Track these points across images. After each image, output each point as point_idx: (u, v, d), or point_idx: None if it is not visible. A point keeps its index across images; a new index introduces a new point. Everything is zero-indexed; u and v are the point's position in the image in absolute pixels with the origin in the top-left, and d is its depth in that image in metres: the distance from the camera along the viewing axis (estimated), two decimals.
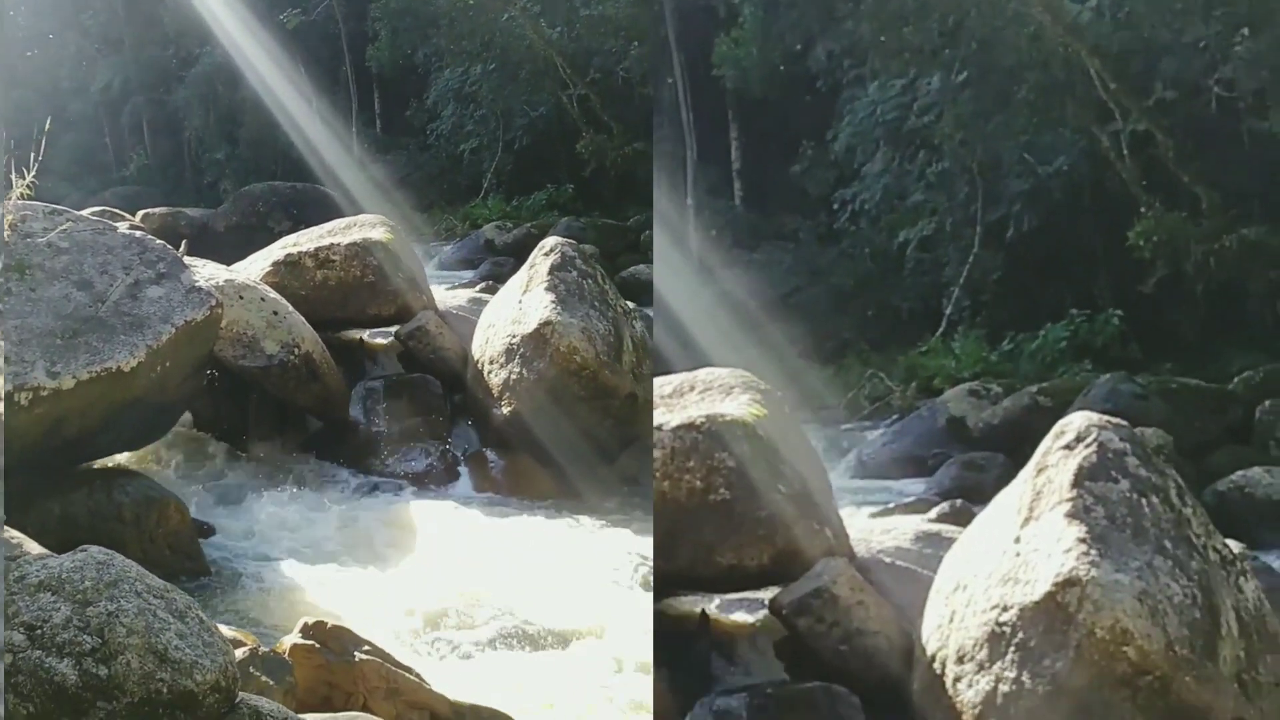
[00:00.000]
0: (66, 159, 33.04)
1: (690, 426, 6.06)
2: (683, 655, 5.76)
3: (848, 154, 18.15)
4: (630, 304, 10.49)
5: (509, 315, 9.65)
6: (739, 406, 6.31)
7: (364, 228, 11.21)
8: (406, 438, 9.61)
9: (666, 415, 6.26)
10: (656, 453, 6.04)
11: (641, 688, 5.77)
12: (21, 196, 7.67)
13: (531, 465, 9.23)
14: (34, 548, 5.65)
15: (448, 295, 12.37)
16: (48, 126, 8.58)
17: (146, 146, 33.51)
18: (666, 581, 6.05)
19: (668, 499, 5.96)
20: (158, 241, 8.02)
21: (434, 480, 9.22)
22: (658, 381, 6.83)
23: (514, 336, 9.44)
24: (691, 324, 15.28)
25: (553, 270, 9.62)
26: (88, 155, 34.85)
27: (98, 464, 7.76)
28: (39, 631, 3.75)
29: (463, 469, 9.42)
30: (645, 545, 7.73)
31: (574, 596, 6.77)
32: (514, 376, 9.34)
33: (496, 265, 18.49)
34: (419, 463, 9.36)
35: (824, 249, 19.14)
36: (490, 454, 9.53)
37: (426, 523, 8.22)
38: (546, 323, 9.22)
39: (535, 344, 9.25)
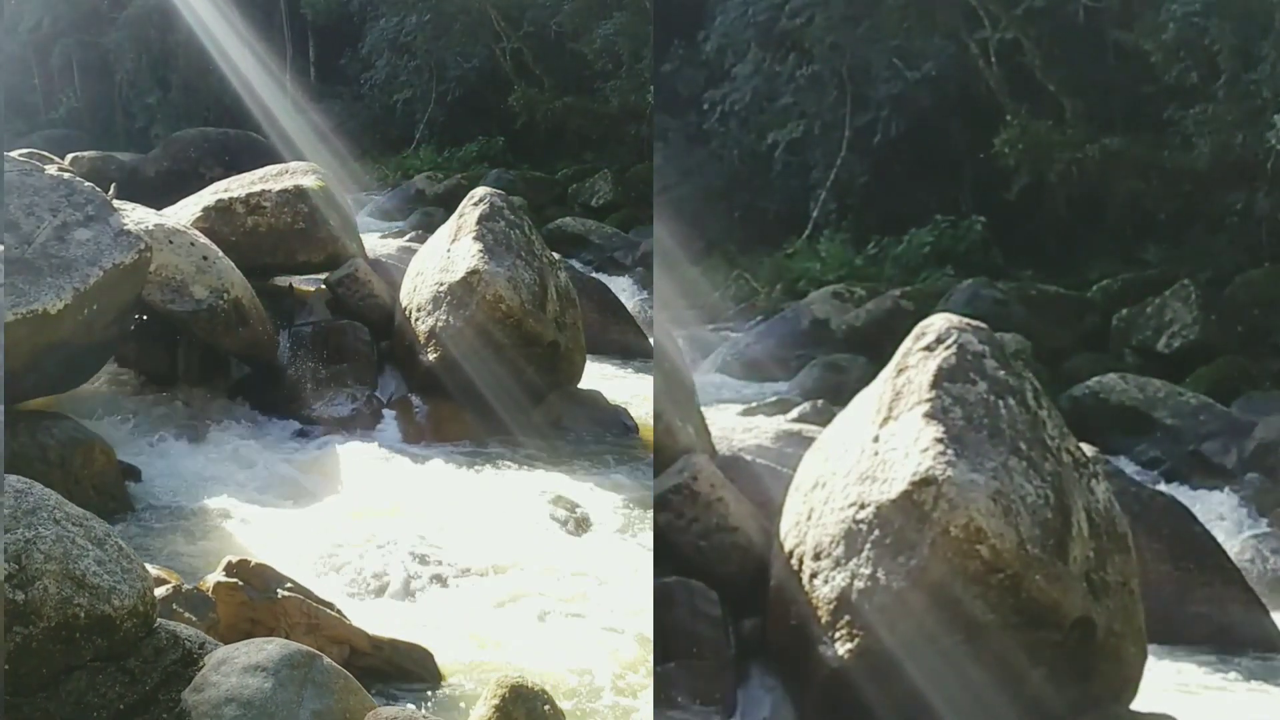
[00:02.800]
0: None
1: None
2: None
3: (718, 54, 18.02)
4: (556, 255, 10.55)
5: (437, 264, 9.67)
6: None
7: (296, 175, 11.12)
8: (333, 383, 9.61)
9: None
10: None
11: (559, 622, 5.90)
12: None
13: (455, 410, 9.29)
14: None
15: (379, 243, 12.35)
16: None
17: (76, 89, 32.74)
18: None
19: None
20: (86, 184, 7.92)
21: (360, 424, 9.23)
22: None
23: (441, 285, 9.48)
24: None
25: (481, 220, 9.65)
26: (15, 96, 33.94)
27: (24, 406, 7.69)
28: None
29: (388, 413, 9.44)
30: (563, 485, 7.87)
31: (493, 535, 6.88)
32: (440, 324, 9.38)
33: (427, 215, 18.47)
34: (345, 408, 9.36)
35: (693, 149, 19.03)
36: (415, 399, 9.56)
37: (350, 466, 8.26)
38: (474, 271, 9.26)
39: (462, 292, 9.29)
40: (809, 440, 5.74)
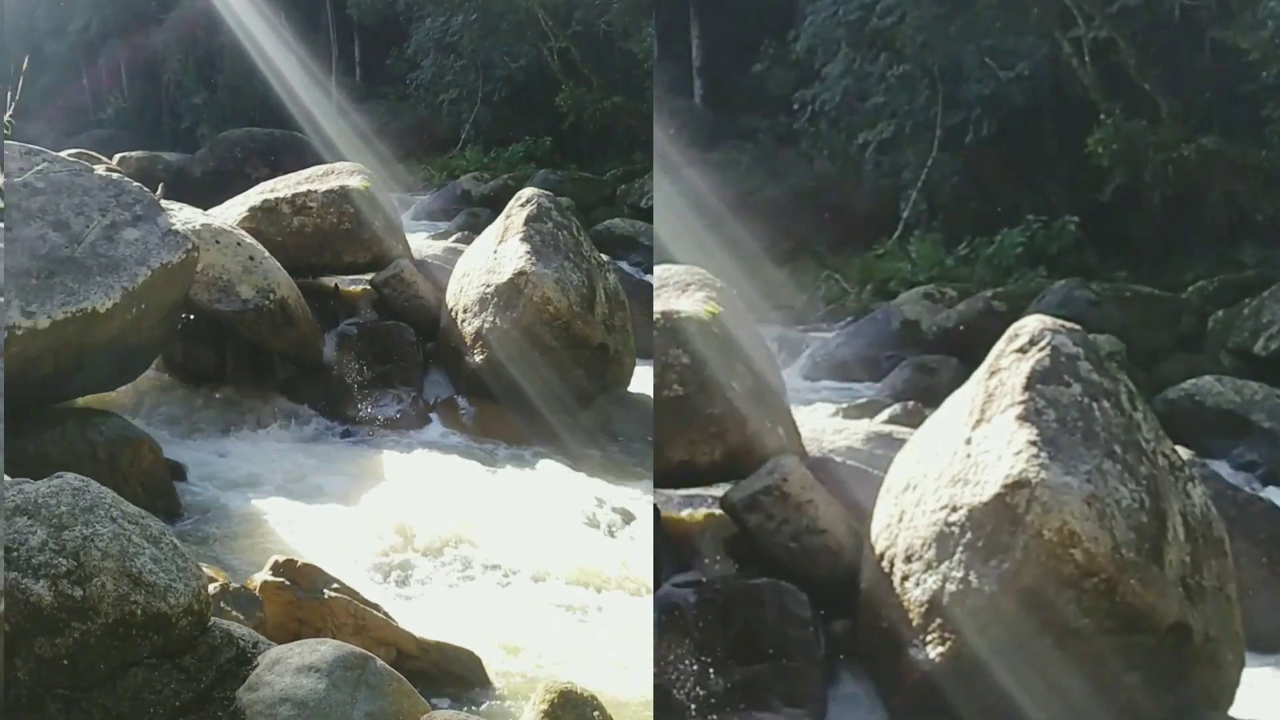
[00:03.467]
0: (43, 101, 32.69)
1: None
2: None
3: (809, 54, 17.97)
4: (604, 256, 10.54)
5: (484, 265, 9.69)
6: (694, 303, 6.28)
7: (341, 175, 11.20)
8: (379, 384, 9.66)
9: None
10: None
11: (601, 623, 5.88)
12: None
13: (501, 412, 9.30)
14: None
15: (424, 244, 12.40)
16: (24, 66, 8.54)
17: (124, 90, 33.16)
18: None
19: None
20: (134, 184, 8.00)
21: (406, 425, 9.27)
22: None
23: (488, 286, 9.49)
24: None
25: (528, 221, 9.65)
26: (64, 97, 34.44)
27: (72, 404, 7.77)
28: (15, 554, 3.82)
29: (434, 415, 9.48)
30: (610, 490, 7.85)
31: (539, 539, 6.87)
32: (487, 325, 9.39)
33: (473, 215, 18.50)
34: (391, 408, 9.40)
35: (783, 149, 19.02)
36: (461, 401, 9.59)
37: (396, 466, 8.30)
38: (521, 272, 9.27)
39: (509, 293, 9.30)
40: (899, 442, 5.76)
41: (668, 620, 5.23)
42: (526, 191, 10.12)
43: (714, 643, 5.16)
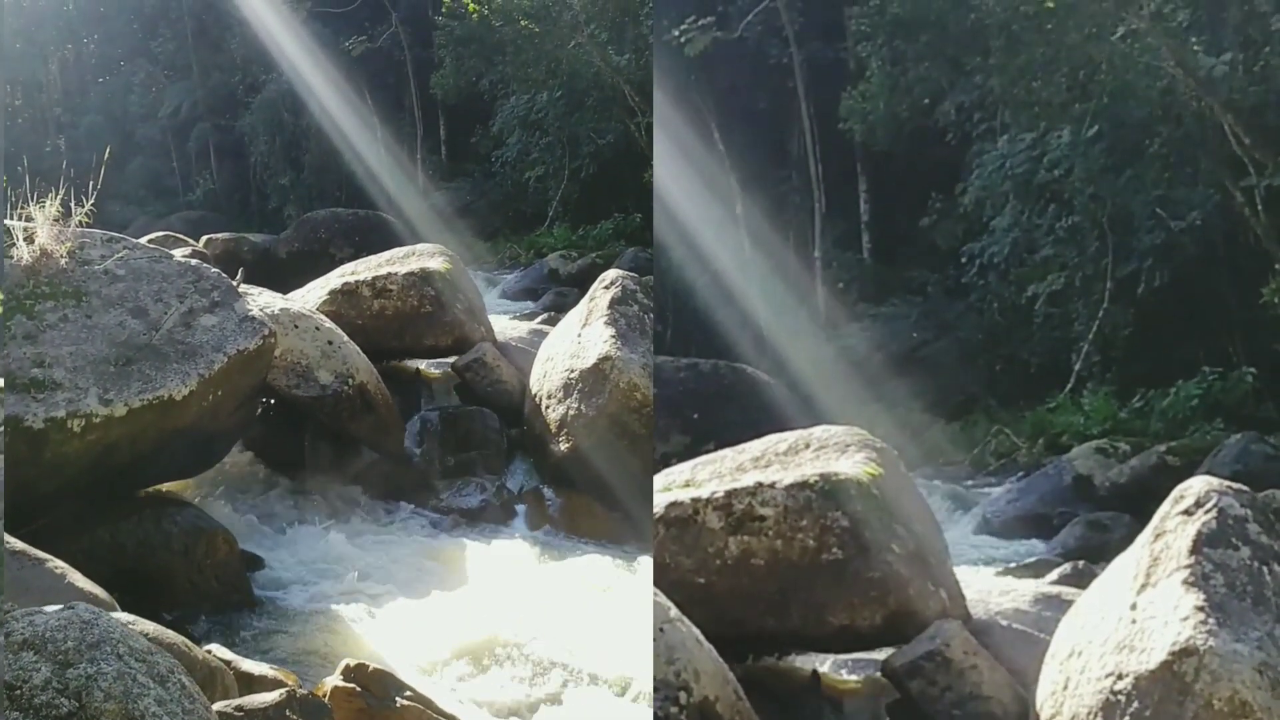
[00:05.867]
0: (135, 183, 33.83)
1: (804, 485, 6.03)
2: (794, 714, 5.78)
3: (976, 207, 18.21)
4: None
5: (568, 349, 9.63)
6: (854, 465, 6.29)
7: (422, 257, 11.28)
8: (462, 472, 9.62)
9: (781, 473, 6.23)
10: (768, 510, 5.96)
11: None
12: (80, 224, 7.79)
13: (590, 504, 9.17)
14: (78, 579, 5.71)
15: (508, 326, 12.41)
16: (107, 156, 8.75)
17: (212, 171, 34.15)
18: (779, 640, 6.01)
19: (780, 557, 5.92)
20: (212, 270, 8.12)
21: (489, 517, 9.19)
22: (773, 438, 6.78)
23: (572, 371, 9.42)
24: (814, 377, 15.47)
25: (613, 304, 9.60)
26: (155, 179, 35.61)
27: (148, 492, 7.82)
28: (18, 692, 3.77)
29: (519, 506, 9.38)
30: None
31: (632, 642, 6.67)
32: (572, 412, 9.30)
33: (560, 295, 18.53)
34: (474, 498, 9.33)
35: (952, 302, 19.20)
36: (547, 491, 9.49)
37: (480, 561, 8.18)
38: (606, 358, 9.19)
39: (594, 379, 9.22)
40: (1068, 604, 5.70)
41: None
42: (611, 273, 10.08)
43: None
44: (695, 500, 6.06)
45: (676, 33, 18.83)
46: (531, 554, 8.42)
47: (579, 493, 9.22)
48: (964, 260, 18.58)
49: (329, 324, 9.67)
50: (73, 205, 7.74)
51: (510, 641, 6.53)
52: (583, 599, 7.52)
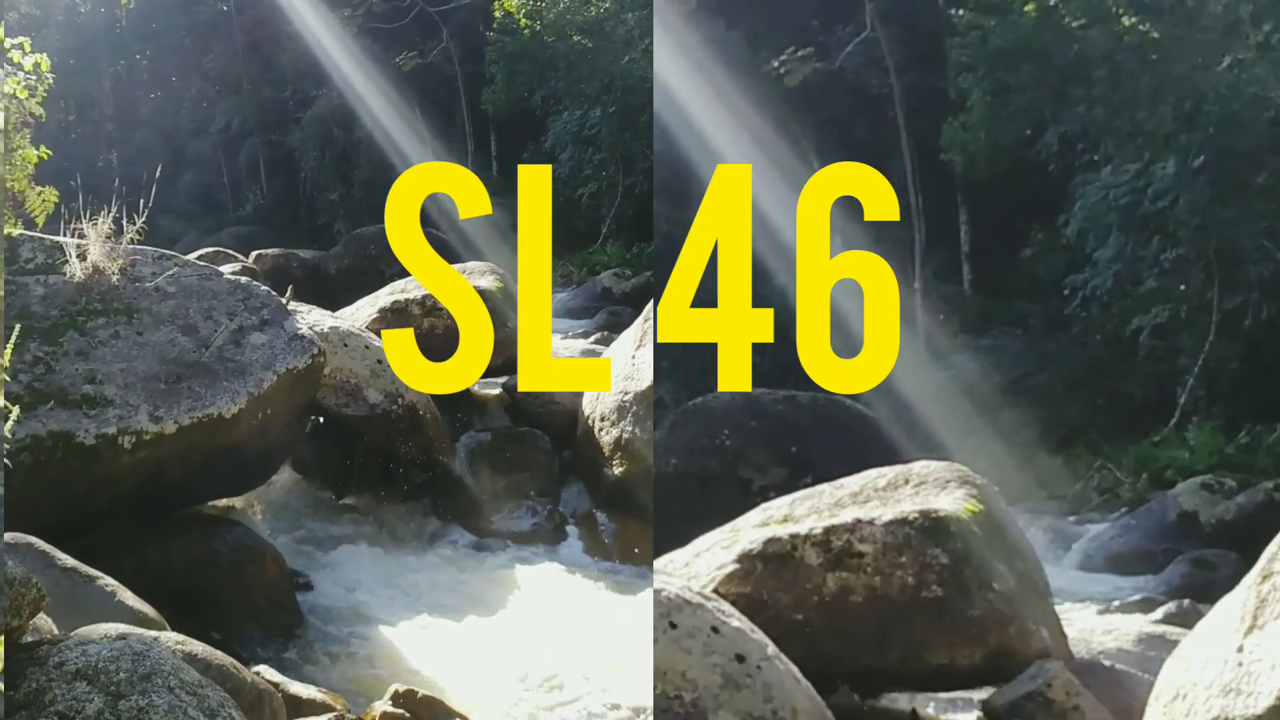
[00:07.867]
0: (185, 198, 34.35)
1: (903, 521, 6.04)
2: None
3: (1079, 239, 18.18)
4: None
5: (621, 371, 9.64)
6: (954, 502, 6.29)
7: (474, 275, 11.34)
8: (513, 494, 9.62)
9: (880, 509, 6.26)
10: (867, 547, 5.98)
11: None
12: (132, 240, 7.91)
13: (645, 530, 9.12)
14: (128, 597, 5.77)
15: (561, 345, 12.44)
16: (158, 172, 8.87)
17: (263, 186, 34.60)
18: (877, 678, 6.02)
19: (879, 594, 5.93)
20: (262, 288, 8.20)
21: (541, 540, 9.18)
22: (872, 474, 6.81)
23: (626, 394, 9.42)
24: (915, 410, 15.48)
25: None
26: (206, 194, 36.14)
27: (198, 510, 7.90)
28: None
29: (571, 529, 9.37)
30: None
31: None
32: (626, 435, 9.31)
33: (613, 314, 18.56)
34: (525, 521, 9.34)
35: (1054, 335, 19.16)
36: (600, 516, 9.47)
37: (531, 586, 8.17)
38: None
39: (648, 403, 9.22)
40: (1173, 643, 5.64)
41: None
42: None
43: None
44: (794, 536, 6.05)
45: (776, 64, 18.89)
46: (585, 580, 8.39)
47: (634, 517, 9.19)
48: (1066, 292, 18.52)
49: (378, 342, 9.72)
50: (124, 222, 7.85)
51: (563, 670, 6.50)
52: (636, 625, 7.49)
